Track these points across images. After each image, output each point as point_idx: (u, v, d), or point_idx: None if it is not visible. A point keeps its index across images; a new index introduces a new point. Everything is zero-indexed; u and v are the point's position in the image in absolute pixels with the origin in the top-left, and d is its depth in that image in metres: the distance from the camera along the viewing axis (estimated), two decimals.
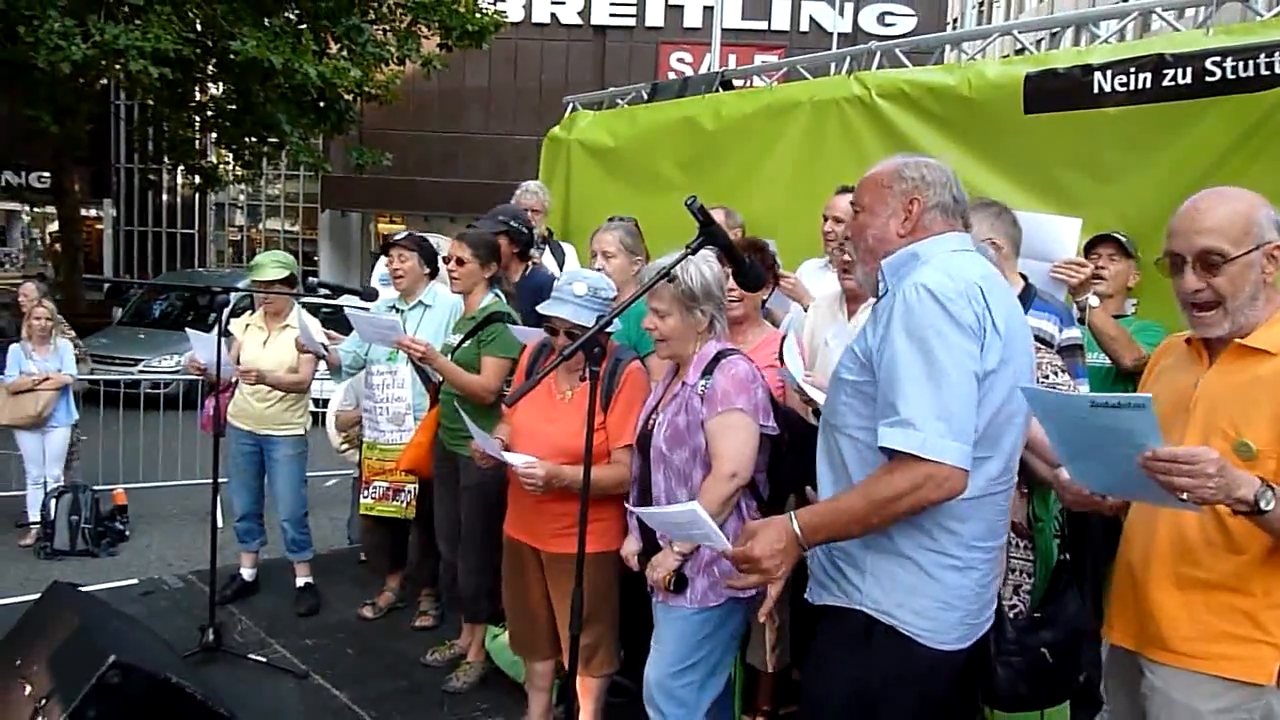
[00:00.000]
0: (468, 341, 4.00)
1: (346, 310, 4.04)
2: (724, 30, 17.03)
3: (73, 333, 7.81)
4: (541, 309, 3.20)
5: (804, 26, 26.19)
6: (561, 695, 3.65)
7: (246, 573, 5.18)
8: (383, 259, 5.65)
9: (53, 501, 6.82)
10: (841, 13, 24.29)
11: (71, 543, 6.77)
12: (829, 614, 2.21)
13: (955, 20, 28.77)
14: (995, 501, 2.11)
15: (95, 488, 7.13)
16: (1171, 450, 1.73)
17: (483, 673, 4.18)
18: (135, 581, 5.51)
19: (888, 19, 25.56)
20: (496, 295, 4.13)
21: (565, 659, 3.39)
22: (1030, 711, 2.60)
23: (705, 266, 2.93)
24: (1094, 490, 2.05)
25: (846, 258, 3.11)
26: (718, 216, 2.96)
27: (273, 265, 4.83)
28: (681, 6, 27.14)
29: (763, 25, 26.24)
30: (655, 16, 27.52)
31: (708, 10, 24.20)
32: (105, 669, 2.96)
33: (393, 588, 4.99)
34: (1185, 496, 1.74)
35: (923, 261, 2.11)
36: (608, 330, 2.98)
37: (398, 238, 4.55)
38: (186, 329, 5.18)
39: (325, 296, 5.00)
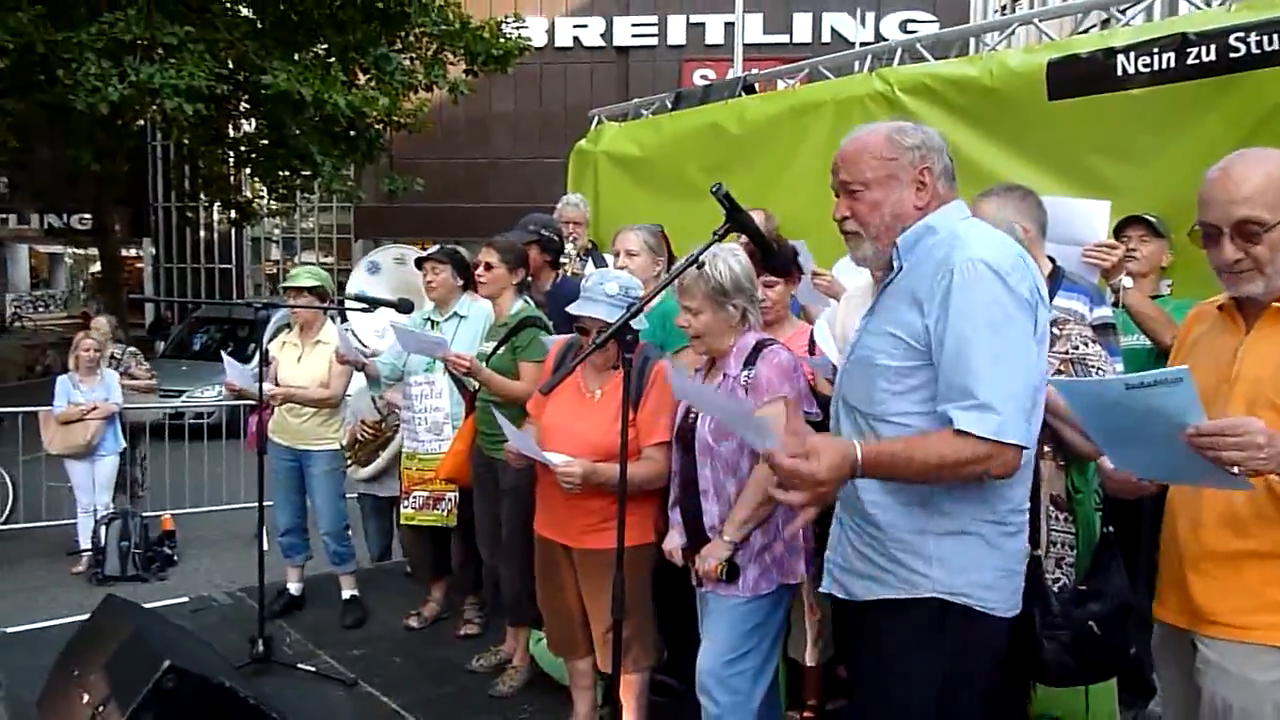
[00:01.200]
0: (501, 348, 4.05)
1: (391, 323, 4.13)
2: (746, 45, 17.08)
3: (146, 364, 8.09)
4: (573, 309, 3.25)
5: (826, 38, 26.17)
6: (607, 696, 3.66)
7: (293, 587, 5.25)
8: (362, 261, 5.82)
9: (103, 528, 6.99)
10: (863, 22, 24.27)
11: (122, 568, 6.94)
12: (884, 608, 2.13)
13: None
14: (1030, 463, 2.11)
15: (144, 514, 7.31)
16: (1217, 423, 1.69)
17: (528, 676, 4.20)
18: (186, 600, 5.60)
19: (909, 26, 25.46)
20: (526, 301, 4.19)
21: (600, 659, 3.41)
22: (1077, 687, 2.58)
23: (734, 260, 2.95)
24: (1141, 477, 2.00)
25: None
26: (757, 218, 2.98)
27: (305, 274, 4.95)
28: (703, 24, 27.26)
29: (784, 39, 26.28)
30: (677, 35, 27.68)
31: (729, 26, 24.27)
32: (161, 674, 3.02)
33: (437, 598, 5.03)
34: (1237, 471, 1.70)
35: (940, 233, 2.09)
36: (636, 328, 3.03)
37: (430, 251, 4.63)
38: (223, 354, 5.33)
39: (361, 309, 5.08)
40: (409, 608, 5.06)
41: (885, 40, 4.82)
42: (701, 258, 2.70)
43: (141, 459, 7.97)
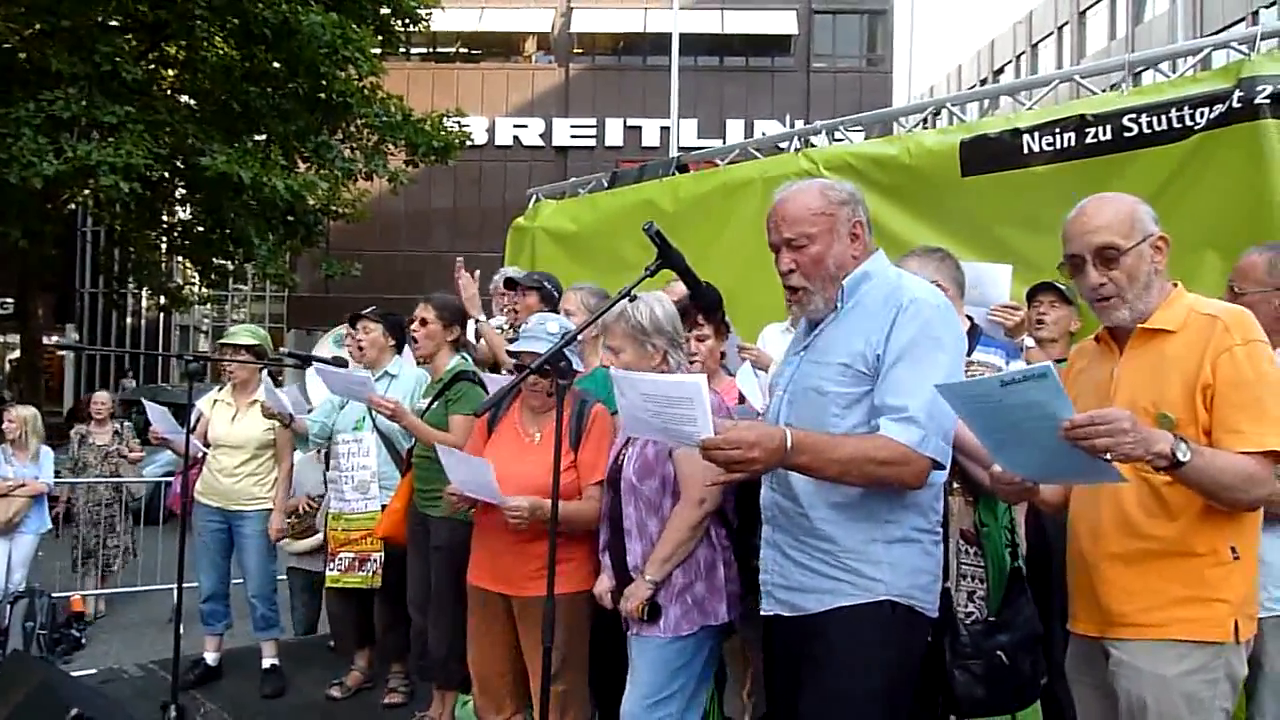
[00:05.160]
0: (436, 403, 4.06)
1: (315, 365, 4.10)
2: (681, 148, 17.68)
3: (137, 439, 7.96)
4: (513, 346, 3.30)
5: None
6: None
7: (210, 657, 5.01)
8: (328, 335, 5.79)
9: (8, 607, 6.65)
10: (792, 128, 25.33)
11: (25, 649, 6.57)
12: (839, 615, 2.25)
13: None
14: (942, 484, 2.38)
15: (54, 595, 6.98)
16: (1088, 414, 1.86)
17: None
18: (94, 671, 5.34)
19: (836, 134, 26.67)
20: (463, 357, 4.22)
21: (536, 713, 3.34)
22: (996, 716, 2.63)
23: (656, 305, 3.07)
24: (1026, 477, 2.14)
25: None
26: None
27: (244, 333, 4.90)
28: (639, 127, 28.24)
29: (718, 142, 27.22)
30: (614, 137, 28.60)
31: (664, 130, 25.14)
32: None
33: (361, 666, 4.87)
34: (1109, 457, 1.85)
35: (875, 278, 2.36)
36: (576, 370, 3.10)
37: (363, 311, 4.66)
38: (144, 401, 5.20)
39: (293, 365, 5.05)
40: (332, 679, 4.89)
41: (814, 145, 5.13)
42: (634, 293, 2.79)
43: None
